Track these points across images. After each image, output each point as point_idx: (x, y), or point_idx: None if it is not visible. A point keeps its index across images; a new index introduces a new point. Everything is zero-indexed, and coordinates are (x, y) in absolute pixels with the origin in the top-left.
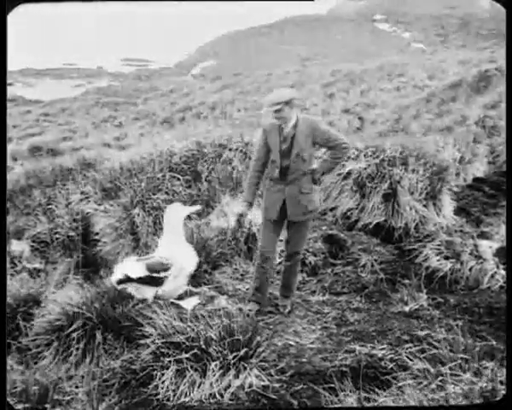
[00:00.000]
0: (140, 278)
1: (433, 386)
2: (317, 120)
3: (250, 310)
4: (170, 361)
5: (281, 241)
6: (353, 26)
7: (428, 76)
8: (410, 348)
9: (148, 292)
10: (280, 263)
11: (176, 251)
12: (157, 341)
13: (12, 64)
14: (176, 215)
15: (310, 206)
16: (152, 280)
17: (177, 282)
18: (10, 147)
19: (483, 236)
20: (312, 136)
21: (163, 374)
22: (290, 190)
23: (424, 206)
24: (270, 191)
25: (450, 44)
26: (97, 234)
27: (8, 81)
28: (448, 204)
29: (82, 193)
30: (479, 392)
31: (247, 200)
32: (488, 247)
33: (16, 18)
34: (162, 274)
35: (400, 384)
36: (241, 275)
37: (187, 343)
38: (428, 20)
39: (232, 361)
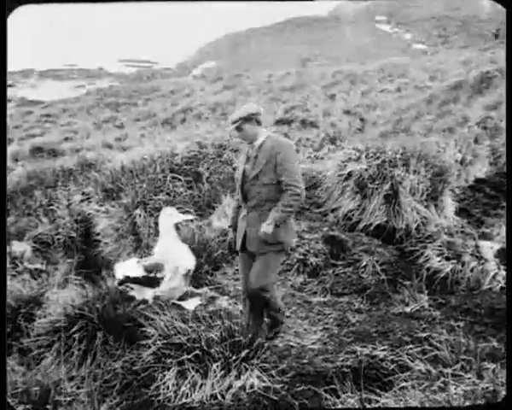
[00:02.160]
0: (137, 279)
1: (435, 387)
2: (284, 146)
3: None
4: (171, 362)
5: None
6: (354, 27)
7: (429, 77)
8: (412, 349)
9: (148, 293)
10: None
11: (170, 252)
12: (158, 342)
13: (13, 65)
14: (167, 219)
15: (269, 238)
16: (148, 281)
17: (173, 282)
18: (11, 148)
19: (484, 237)
20: (273, 161)
21: (164, 375)
22: (250, 218)
23: (425, 207)
24: (238, 219)
25: (451, 45)
26: (98, 235)
27: (10, 82)
28: (449, 205)
29: (83, 194)
30: (480, 393)
31: (229, 224)
32: (489, 248)
33: (17, 19)
34: (158, 275)
35: (402, 385)
36: None
37: (188, 344)
38: (429, 21)
39: (233, 362)
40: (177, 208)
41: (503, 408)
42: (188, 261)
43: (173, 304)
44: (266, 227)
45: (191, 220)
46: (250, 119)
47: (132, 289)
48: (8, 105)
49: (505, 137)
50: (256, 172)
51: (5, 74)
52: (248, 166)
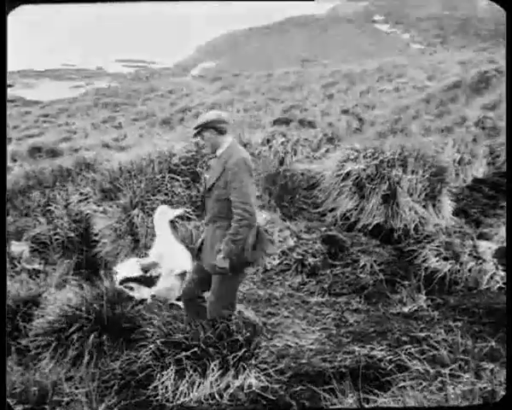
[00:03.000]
0: (136, 278)
1: (433, 387)
2: (237, 162)
3: None
4: (169, 362)
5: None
6: (353, 26)
7: (428, 77)
8: (410, 349)
9: (146, 292)
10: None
11: (165, 251)
12: (156, 341)
13: (11, 65)
14: (161, 218)
15: (219, 262)
16: (146, 280)
17: (168, 282)
18: (10, 148)
19: (482, 237)
20: (225, 176)
21: (162, 375)
22: (207, 231)
23: (423, 207)
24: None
25: (449, 45)
26: (97, 235)
27: (8, 82)
28: (447, 205)
29: (81, 194)
30: (478, 393)
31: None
32: (487, 248)
33: (16, 19)
34: (154, 274)
35: (400, 385)
36: None
37: (186, 343)
38: (428, 20)
39: (231, 362)
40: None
41: (502, 408)
42: (183, 261)
43: (171, 304)
44: (220, 261)
45: (186, 217)
46: (209, 127)
47: (132, 288)
48: (7, 105)
49: (505, 137)
50: (210, 185)
51: (5, 74)
52: (208, 177)
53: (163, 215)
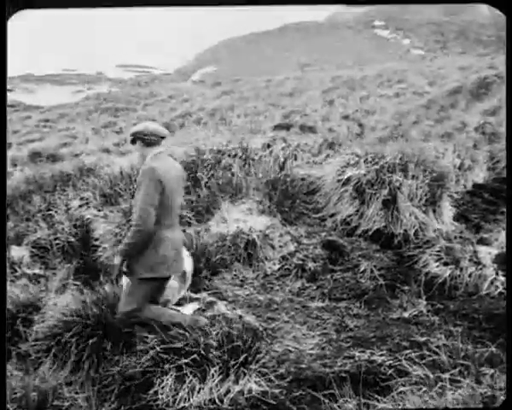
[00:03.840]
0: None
1: (433, 392)
2: (142, 173)
3: None
4: (169, 367)
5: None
6: (353, 32)
7: (428, 82)
8: (410, 354)
9: None
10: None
11: None
12: (156, 347)
13: (12, 70)
14: None
15: (120, 268)
16: None
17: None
18: (10, 152)
19: (482, 242)
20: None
21: (162, 380)
22: None
23: (424, 212)
24: None
25: (449, 51)
26: (97, 240)
27: (8, 87)
28: (448, 210)
29: (82, 199)
30: (478, 398)
31: None
32: (487, 253)
33: (16, 23)
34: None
35: (400, 390)
36: (241, 281)
37: (186, 349)
38: (428, 26)
39: (232, 367)
40: None
41: (503, 407)
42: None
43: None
44: (116, 258)
45: (186, 221)
46: (137, 138)
47: None
48: (7, 110)
49: (505, 142)
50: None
51: (5, 78)
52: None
53: None
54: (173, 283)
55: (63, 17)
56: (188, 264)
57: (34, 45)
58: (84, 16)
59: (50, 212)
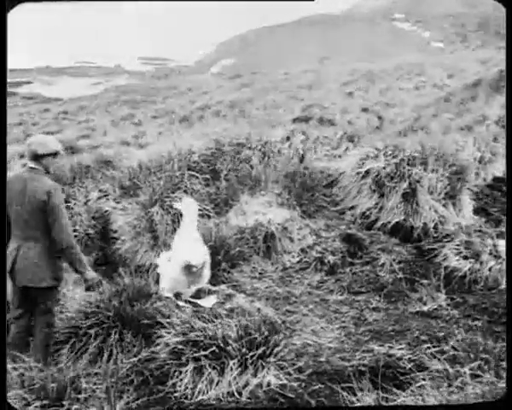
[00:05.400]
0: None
1: (453, 387)
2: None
3: None
4: (188, 359)
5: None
6: (372, 24)
7: (448, 75)
8: (429, 348)
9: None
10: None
11: (177, 240)
12: (175, 339)
13: (31, 62)
14: (186, 208)
15: None
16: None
17: (172, 272)
18: None
19: (502, 236)
20: None
21: (181, 372)
22: None
23: (443, 205)
24: None
25: (469, 43)
26: (116, 232)
27: (28, 79)
28: (467, 204)
29: (100, 191)
30: (498, 393)
31: None
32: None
33: (34, 16)
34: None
35: (419, 384)
36: (260, 274)
37: (205, 342)
38: (448, 19)
39: (250, 360)
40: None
41: (502, 406)
42: (190, 255)
43: (190, 302)
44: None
45: (206, 214)
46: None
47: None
48: (26, 102)
49: (505, 142)
50: None
51: (5, 74)
52: None
53: (187, 206)
54: (178, 277)
55: (82, 9)
56: (196, 256)
57: (53, 37)
58: (103, 8)
59: (69, 204)
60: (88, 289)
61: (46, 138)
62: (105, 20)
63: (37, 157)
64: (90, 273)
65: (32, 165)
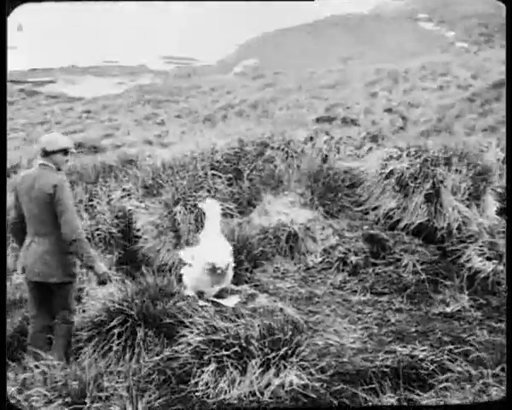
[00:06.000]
0: None
1: (475, 389)
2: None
3: None
4: (210, 359)
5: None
6: (396, 24)
7: (472, 75)
8: (452, 349)
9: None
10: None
11: (202, 241)
12: (197, 338)
13: (54, 61)
14: (209, 209)
15: None
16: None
17: (195, 272)
18: None
19: None
20: None
21: (203, 371)
22: None
23: (467, 206)
24: None
25: (494, 44)
26: (138, 231)
27: (51, 78)
28: (491, 205)
29: (123, 190)
30: None
31: None
32: None
33: (59, 14)
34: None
35: (441, 386)
36: (282, 274)
37: (227, 341)
38: (472, 19)
39: (272, 360)
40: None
41: (503, 407)
42: (215, 256)
43: (212, 302)
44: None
45: (229, 214)
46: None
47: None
48: (50, 101)
49: (505, 143)
50: None
51: (5, 74)
52: None
53: (210, 207)
54: (201, 276)
55: (105, 8)
56: (219, 257)
57: (76, 37)
58: (127, 7)
59: (92, 202)
60: (100, 283)
61: (56, 136)
62: (129, 18)
63: (47, 154)
64: (101, 268)
65: (42, 161)
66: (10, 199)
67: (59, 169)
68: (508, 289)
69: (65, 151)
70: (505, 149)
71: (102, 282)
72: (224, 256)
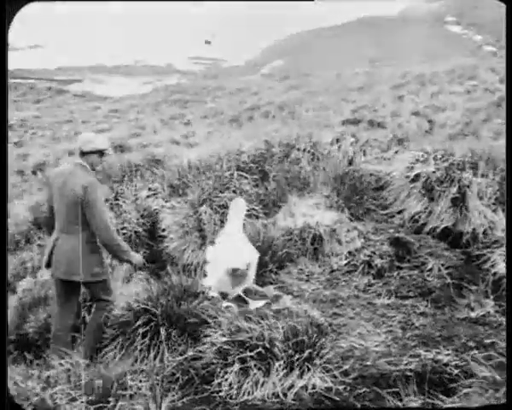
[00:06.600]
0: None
1: (500, 394)
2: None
3: None
4: (234, 360)
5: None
6: (424, 27)
7: (500, 79)
8: (476, 354)
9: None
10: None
11: (224, 245)
12: (221, 339)
13: (82, 60)
14: (235, 208)
15: None
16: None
17: (216, 273)
18: None
19: None
20: None
21: (226, 372)
22: None
23: (493, 211)
24: None
25: None
26: (164, 230)
27: (78, 77)
28: None
29: (149, 189)
30: None
31: None
32: None
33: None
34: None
35: (465, 391)
36: (307, 275)
37: (251, 342)
38: (500, 22)
39: (296, 362)
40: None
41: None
42: (235, 258)
43: (239, 296)
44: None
45: (254, 215)
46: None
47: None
48: (77, 100)
49: (505, 142)
50: None
51: (5, 73)
52: None
53: (236, 205)
54: (222, 278)
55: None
56: (238, 260)
57: (105, 36)
58: (155, 8)
59: (118, 201)
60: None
61: (94, 136)
62: (157, 18)
63: (83, 154)
64: (136, 258)
65: (77, 160)
66: (44, 193)
67: (93, 169)
68: (507, 289)
69: (101, 153)
70: (505, 149)
71: (139, 268)
72: (244, 257)
